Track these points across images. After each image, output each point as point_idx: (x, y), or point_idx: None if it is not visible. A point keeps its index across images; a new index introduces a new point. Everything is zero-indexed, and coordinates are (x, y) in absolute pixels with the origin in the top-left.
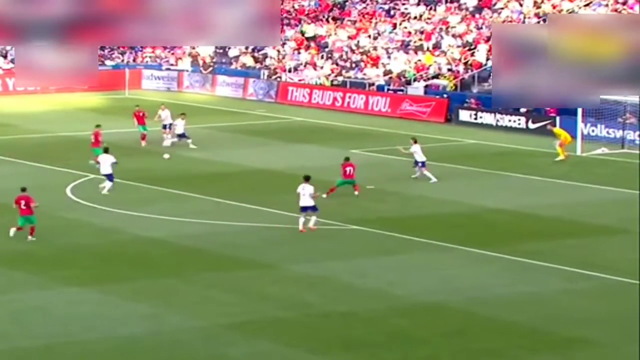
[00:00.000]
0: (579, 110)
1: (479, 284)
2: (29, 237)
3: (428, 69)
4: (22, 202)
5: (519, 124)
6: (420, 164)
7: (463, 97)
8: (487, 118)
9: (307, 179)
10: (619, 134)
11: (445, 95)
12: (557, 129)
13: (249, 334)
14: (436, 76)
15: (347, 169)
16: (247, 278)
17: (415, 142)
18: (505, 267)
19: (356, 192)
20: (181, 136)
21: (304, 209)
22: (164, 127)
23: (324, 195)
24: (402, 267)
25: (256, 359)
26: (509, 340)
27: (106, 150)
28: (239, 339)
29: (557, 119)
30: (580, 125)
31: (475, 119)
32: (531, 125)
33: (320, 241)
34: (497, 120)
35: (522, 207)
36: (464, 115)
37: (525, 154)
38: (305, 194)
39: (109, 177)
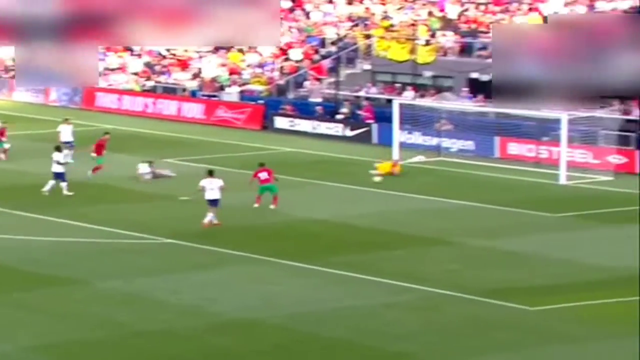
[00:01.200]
0: (395, 118)
1: (298, 299)
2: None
3: (240, 73)
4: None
5: (337, 131)
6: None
7: (279, 104)
8: (304, 125)
9: (210, 173)
10: (435, 141)
11: (260, 102)
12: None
13: (57, 357)
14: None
15: (261, 174)
16: (54, 296)
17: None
18: (325, 281)
19: (272, 206)
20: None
21: (213, 202)
22: None
23: (256, 205)
24: (219, 282)
25: None
26: (329, 356)
27: None
28: None
29: (374, 126)
30: (396, 132)
31: (292, 125)
32: (349, 133)
33: (133, 256)
34: (314, 127)
35: (341, 217)
36: (280, 122)
37: (343, 162)
38: (214, 188)
39: None
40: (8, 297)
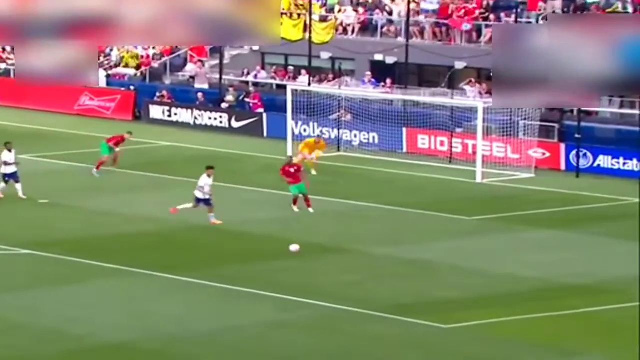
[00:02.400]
0: (289, 106)
1: (176, 318)
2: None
3: (108, 55)
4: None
5: (221, 122)
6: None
7: (153, 90)
8: (184, 115)
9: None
10: (334, 134)
11: (131, 87)
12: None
13: None
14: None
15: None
16: None
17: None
18: (206, 296)
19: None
20: None
21: (205, 202)
22: None
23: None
24: (84, 299)
25: None
26: None
27: None
28: None
29: (264, 115)
30: (290, 123)
31: (169, 116)
32: (235, 124)
33: None
34: (196, 118)
35: (226, 222)
36: (156, 111)
37: (229, 158)
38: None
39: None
40: None
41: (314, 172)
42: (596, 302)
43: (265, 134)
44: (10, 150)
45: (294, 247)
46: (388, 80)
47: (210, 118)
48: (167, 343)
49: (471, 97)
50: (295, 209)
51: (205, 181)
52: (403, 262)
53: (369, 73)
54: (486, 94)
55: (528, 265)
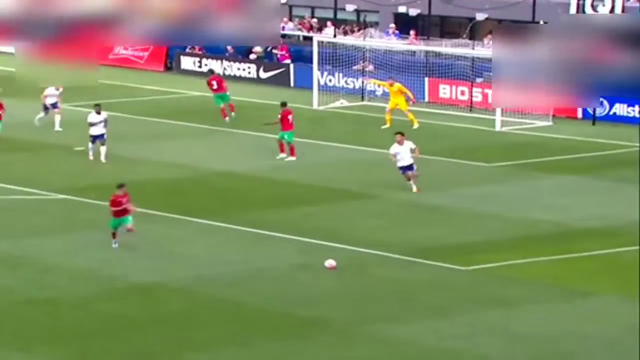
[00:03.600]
0: (315, 58)
1: (205, 260)
2: None
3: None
4: None
5: (250, 72)
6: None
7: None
8: (213, 65)
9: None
10: (358, 84)
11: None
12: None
13: None
14: None
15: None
16: None
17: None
18: (236, 240)
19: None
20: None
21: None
22: None
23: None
24: (117, 242)
25: None
26: (239, 324)
27: None
28: None
29: (291, 66)
30: (316, 74)
31: (200, 66)
32: (263, 75)
33: (21, 215)
34: (225, 69)
35: (254, 170)
36: (187, 62)
37: (257, 107)
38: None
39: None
40: None
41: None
42: (610, 245)
43: (292, 84)
44: (98, 113)
45: (330, 263)
46: (411, 32)
47: (239, 69)
48: (196, 284)
49: (491, 48)
50: (282, 155)
51: None
52: (426, 207)
53: (392, 25)
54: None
55: (545, 210)
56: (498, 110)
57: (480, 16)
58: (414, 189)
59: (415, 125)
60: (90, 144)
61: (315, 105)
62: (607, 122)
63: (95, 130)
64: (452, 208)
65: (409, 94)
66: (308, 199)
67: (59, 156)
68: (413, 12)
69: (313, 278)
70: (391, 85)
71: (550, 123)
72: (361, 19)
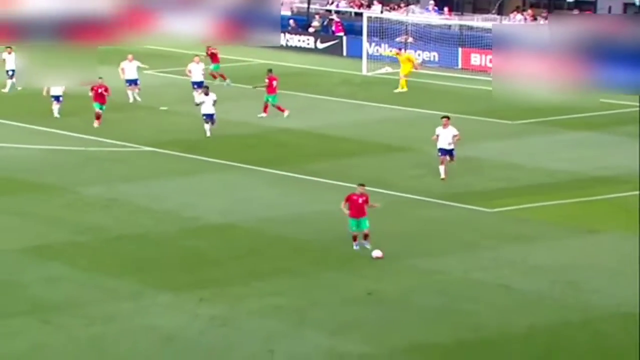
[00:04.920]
0: (364, 31)
1: (268, 204)
2: None
3: None
4: None
5: (308, 43)
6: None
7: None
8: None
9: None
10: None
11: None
12: (404, 56)
13: (43, 258)
14: None
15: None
16: (35, 201)
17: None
18: (294, 187)
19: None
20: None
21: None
22: None
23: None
24: (196, 188)
25: (51, 283)
26: (299, 257)
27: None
28: (32, 264)
29: (344, 38)
30: (365, 45)
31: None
32: (320, 45)
33: (114, 164)
34: (287, 41)
35: (309, 127)
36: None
37: (315, 74)
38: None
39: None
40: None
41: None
42: (617, 190)
43: (344, 53)
44: (207, 94)
45: (377, 253)
46: (446, 8)
47: (299, 40)
48: (262, 223)
49: (517, 21)
50: (263, 114)
51: None
52: (458, 159)
53: (432, 2)
54: (531, 19)
55: (561, 161)
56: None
57: None
58: (442, 174)
59: (399, 90)
60: (205, 124)
61: (364, 72)
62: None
63: (205, 109)
64: (481, 159)
65: (415, 61)
66: (355, 151)
67: (144, 114)
68: None
69: None
70: (398, 54)
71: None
72: None
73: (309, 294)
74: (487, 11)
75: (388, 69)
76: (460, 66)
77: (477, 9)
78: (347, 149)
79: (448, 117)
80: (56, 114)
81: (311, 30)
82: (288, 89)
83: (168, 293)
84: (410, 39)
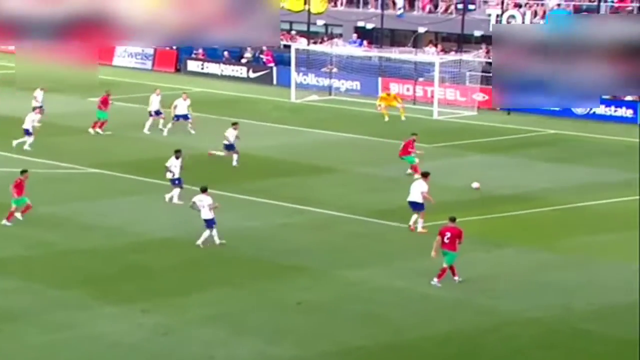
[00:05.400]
0: (292, 62)
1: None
2: None
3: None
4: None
5: (241, 73)
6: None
7: (191, 49)
8: (213, 68)
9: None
10: (327, 82)
11: (174, 47)
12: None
13: None
14: None
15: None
16: None
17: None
18: (230, 205)
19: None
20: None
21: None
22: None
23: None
24: (139, 207)
25: (4, 295)
26: (235, 269)
27: None
28: None
29: (274, 68)
30: (293, 74)
31: (202, 68)
32: (252, 75)
33: (64, 184)
34: (222, 70)
35: (246, 148)
36: (192, 65)
37: (247, 101)
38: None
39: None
40: None
41: (387, 119)
42: (521, 208)
43: (275, 82)
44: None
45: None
46: (366, 42)
47: (233, 70)
48: (198, 239)
49: (430, 54)
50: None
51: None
52: (379, 178)
53: (355, 35)
54: (441, 52)
55: (471, 180)
56: (435, 103)
57: (421, 29)
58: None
59: (403, 118)
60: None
61: (293, 99)
62: (519, 113)
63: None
64: (397, 179)
65: (400, 100)
66: (287, 172)
67: (88, 139)
68: (369, 25)
69: (292, 234)
70: (388, 95)
71: (476, 113)
72: (329, 31)
73: (244, 303)
74: (404, 44)
75: (315, 97)
76: (380, 94)
77: (394, 42)
78: (277, 169)
79: (425, 174)
80: (26, 147)
81: (244, 60)
82: (224, 115)
83: (114, 304)
84: (334, 69)
